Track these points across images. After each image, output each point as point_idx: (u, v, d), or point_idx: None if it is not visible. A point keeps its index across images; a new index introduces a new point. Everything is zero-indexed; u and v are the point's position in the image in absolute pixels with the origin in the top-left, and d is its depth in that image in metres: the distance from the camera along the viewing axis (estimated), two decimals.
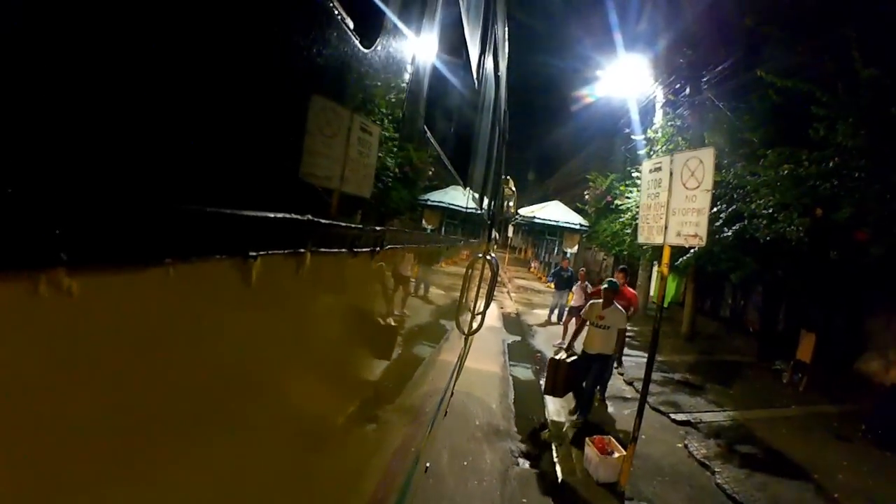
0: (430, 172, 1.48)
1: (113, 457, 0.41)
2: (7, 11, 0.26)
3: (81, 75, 0.32)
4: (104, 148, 0.34)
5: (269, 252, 0.56)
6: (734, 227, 7.52)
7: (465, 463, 4.27)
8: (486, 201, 3.91)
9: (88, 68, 0.32)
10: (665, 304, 15.10)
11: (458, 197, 2.18)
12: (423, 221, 1.60)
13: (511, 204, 7.08)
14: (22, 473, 0.33)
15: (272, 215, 0.57)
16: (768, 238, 6.85)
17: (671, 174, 3.71)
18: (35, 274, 0.30)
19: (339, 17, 0.65)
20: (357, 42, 0.72)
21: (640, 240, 4.17)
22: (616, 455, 4.20)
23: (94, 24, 0.32)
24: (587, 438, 4.54)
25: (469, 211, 2.64)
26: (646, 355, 9.34)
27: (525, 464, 4.52)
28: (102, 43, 0.33)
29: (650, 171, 3.99)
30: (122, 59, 0.35)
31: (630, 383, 7.53)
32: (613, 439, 4.48)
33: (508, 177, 6.79)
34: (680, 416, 6.19)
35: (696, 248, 7.48)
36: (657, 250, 10.93)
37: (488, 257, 3.50)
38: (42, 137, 0.30)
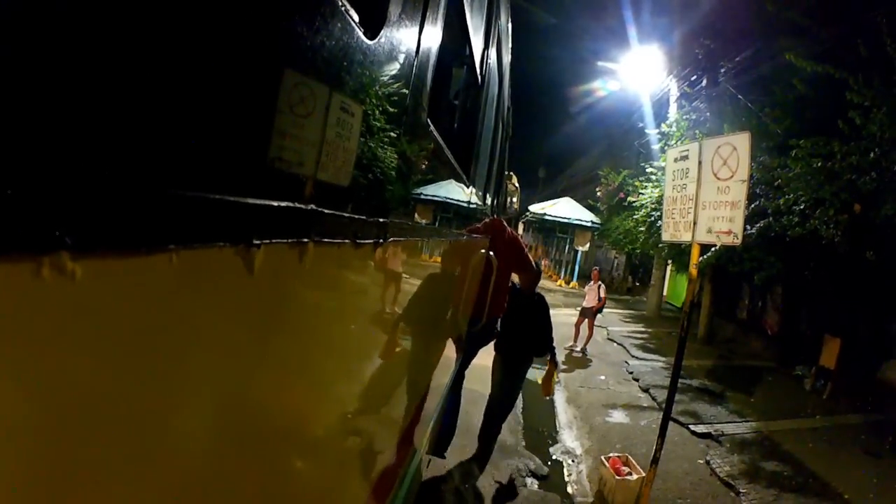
0: (433, 166, 1.48)
1: (118, 444, 0.40)
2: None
3: (83, 65, 0.31)
4: (110, 134, 0.34)
5: (273, 241, 0.55)
6: (758, 224, 7.04)
7: (467, 485, 3.86)
8: (488, 197, 3.96)
9: (91, 58, 0.31)
10: (678, 305, 14.62)
11: (461, 192, 2.16)
12: (426, 215, 1.58)
13: (514, 200, 6.90)
14: (30, 461, 0.32)
15: (276, 204, 0.56)
16: (797, 237, 6.37)
17: (700, 163, 3.28)
18: (39, 258, 0.30)
19: (344, 9, 0.65)
20: (361, 34, 0.72)
21: (665, 237, 3.68)
22: (634, 477, 3.79)
23: (100, 9, 0.31)
24: (602, 457, 4.14)
25: (472, 206, 2.63)
26: (660, 359, 9.13)
27: (534, 484, 4.10)
28: (111, 33, 0.32)
29: (675, 160, 3.53)
30: (130, 52, 0.35)
31: (646, 390, 7.11)
32: (631, 458, 4.07)
33: (511, 172, 6.60)
34: (700, 428, 5.78)
35: (718, 247, 7.04)
36: (673, 248, 10.61)
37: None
38: (49, 123, 0.29)
